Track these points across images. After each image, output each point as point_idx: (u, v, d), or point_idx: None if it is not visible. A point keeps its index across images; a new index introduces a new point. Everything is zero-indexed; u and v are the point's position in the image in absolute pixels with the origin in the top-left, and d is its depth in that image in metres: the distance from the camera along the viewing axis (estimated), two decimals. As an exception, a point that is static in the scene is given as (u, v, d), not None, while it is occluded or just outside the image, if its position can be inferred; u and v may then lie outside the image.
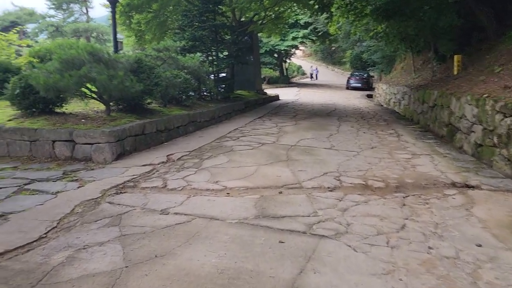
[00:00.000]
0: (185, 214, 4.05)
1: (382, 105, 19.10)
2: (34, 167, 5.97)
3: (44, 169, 5.87)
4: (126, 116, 7.86)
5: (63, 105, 7.85)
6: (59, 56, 6.93)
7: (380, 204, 4.45)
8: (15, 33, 12.57)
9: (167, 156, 6.76)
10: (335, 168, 6.04)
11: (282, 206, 4.35)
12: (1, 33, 12.36)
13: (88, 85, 7.27)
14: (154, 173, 5.67)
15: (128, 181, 5.19)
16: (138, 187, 4.98)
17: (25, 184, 4.96)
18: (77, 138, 6.41)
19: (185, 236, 3.49)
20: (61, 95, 7.28)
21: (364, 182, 5.31)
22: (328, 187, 5.07)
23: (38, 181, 5.14)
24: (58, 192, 4.64)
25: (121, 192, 4.74)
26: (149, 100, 9.01)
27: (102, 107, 8.16)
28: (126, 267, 2.91)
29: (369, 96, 25.66)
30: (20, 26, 11.65)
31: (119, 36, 19.15)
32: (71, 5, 42.12)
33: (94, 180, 5.18)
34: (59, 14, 42.73)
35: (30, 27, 41.86)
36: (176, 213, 4.08)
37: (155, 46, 10.35)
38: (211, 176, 5.55)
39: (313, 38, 36.27)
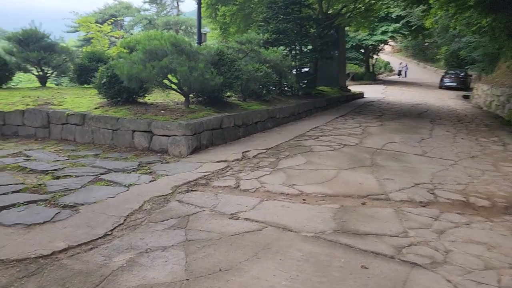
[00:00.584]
0: (256, 221, 3.71)
1: (481, 108, 17.24)
2: (113, 156, 6.05)
3: (122, 159, 5.91)
4: (205, 108, 7.75)
5: (145, 95, 7.97)
6: (143, 46, 6.98)
7: (486, 229, 3.73)
8: (109, 24, 13.24)
9: (242, 153, 6.50)
10: (428, 179, 5.33)
11: (365, 221, 3.83)
12: (98, 24, 13.07)
13: (169, 76, 7.25)
14: (227, 171, 5.42)
15: (200, 178, 4.99)
16: (209, 185, 4.75)
17: (102, 174, 4.98)
18: (155, 129, 6.39)
19: (254, 248, 3.15)
20: (144, 86, 7.36)
21: (464, 199, 4.57)
22: (421, 202, 4.42)
23: (114, 171, 5.15)
24: (130, 185, 4.56)
25: (191, 190, 4.54)
26: (228, 93, 8.86)
27: (182, 98, 8.15)
28: (187, 279, 2.63)
29: (466, 97, 23.43)
30: (113, 18, 12.23)
31: (205, 29, 19.51)
32: (163, -1, 44.23)
33: (167, 175, 5.06)
34: (152, 7, 45.13)
35: (126, 20, 44.76)
36: (246, 219, 3.76)
37: (238, 39, 10.17)
38: (287, 178, 5.16)
39: (404, 32, 34.08)
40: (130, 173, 5.10)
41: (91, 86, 11.51)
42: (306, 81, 13.77)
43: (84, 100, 8.28)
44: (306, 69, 14.89)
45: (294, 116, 10.85)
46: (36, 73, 12.02)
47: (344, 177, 5.36)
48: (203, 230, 3.45)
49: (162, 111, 7.13)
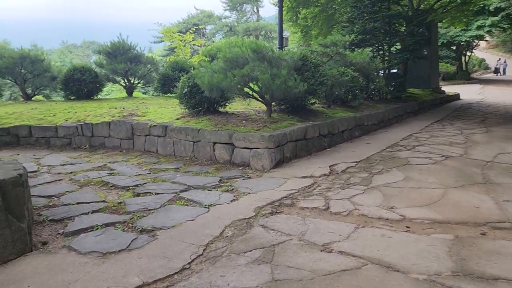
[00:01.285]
0: (353, 256, 3.15)
1: None
2: (194, 170, 5.83)
3: (202, 173, 5.67)
4: (287, 117, 7.31)
5: (226, 104, 7.74)
6: (224, 54, 6.72)
7: None
8: (191, 33, 13.44)
9: (329, 166, 5.94)
10: None
11: (490, 259, 3.08)
12: (180, 34, 13.31)
13: (251, 84, 6.92)
14: (314, 188, 4.90)
15: (285, 197, 4.53)
16: (296, 206, 4.27)
17: (182, 191, 4.74)
18: (236, 141, 6.08)
19: (354, 295, 2.59)
20: (224, 95, 7.12)
21: None
22: (562, 236, 3.52)
23: (194, 188, 4.88)
24: (210, 205, 4.23)
25: (276, 212, 4.09)
26: (312, 100, 8.33)
27: (263, 107, 7.81)
28: (275, 338, 2.16)
29: None
30: (195, 27, 12.33)
31: (286, 33, 19.13)
32: (244, 5, 44.84)
33: (249, 193, 4.67)
34: (233, 15, 46.03)
35: (208, 28, 46.20)
36: (341, 252, 3.21)
37: (322, 42, 9.61)
38: (384, 199, 4.50)
39: (504, 26, 30.85)
40: (210, 190, 4.80)
41: (174, 95, 11.68)
42: (394, 83, 12.76)
43: (166, 111, 8.28)
44: (395, 71, 13.84)
45: (384, 123, 10.00)
46: (124, 84, 12.52)
47: (453, 197, 4.56)
48: (291, 267, 2.97)
49: (244, 122, 6.81)
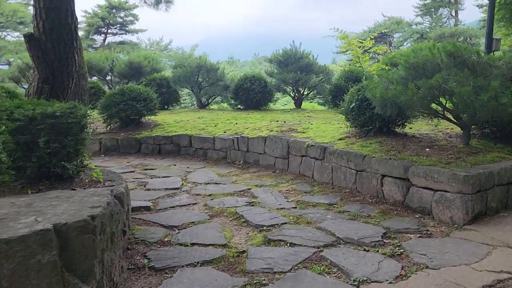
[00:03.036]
0: None
1: None
2: (351, 210, 4.48)
3: (362, 217, 4.27)
4: (494, 147, 5.30)
5: (404, 124, 6.11)
6: (406, 59, 5.19)
7: None
8: (371, 39, 11.98)
9: None
10: None
11: None
12: (359, 40, 12.00)
13: (441, 99, 5.19)
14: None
15: (490, 286, 2.81)
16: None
17: (326, 246, 3.47)
18: (414, 177, 4.48)
19: None
20: (404, 112, 5.53)
21: None
22: None
23: (345, 243, 3.55)
24: (361, 282, 2.85)
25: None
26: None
27: (456, 129, 5.93)
28: None
29: None
30: (376, 33, 10.84)
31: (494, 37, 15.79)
32: (440, 9, 40.46)
33: (427, 267, 3.09)
34: (426, 21, 42.06)
35: (395, 36, 43.25)
36: None
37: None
38: None
39: None
40: (367, 250, 3.39)
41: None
42: None
43: (330, 128, 7.10)
44: None
45: None
46: (292, 94, 11.87)
47: None
48: None
49: (427, 149, 5.12)
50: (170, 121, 9.42)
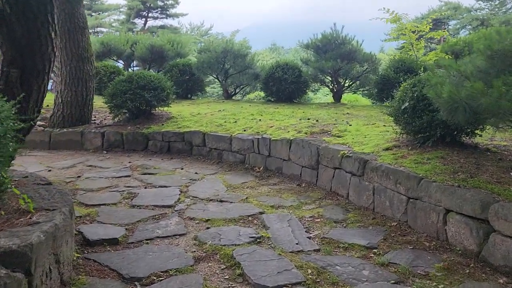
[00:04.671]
0: None
1: None
2: (400, 263, 3.12)
3: (416, 276, 2.92)
4: None
5: (475, 132, 4.60)
6: (488, 45, 3.69)
7: None
8: (428, 23, 10.26)
9: None
10: None
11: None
12: (414, 24, 10.32)
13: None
14: None
15: None
16: None
17: None
18: (497, 220, 3.04)
19: None
20: (480, 117, 4.04)
21: None
22: None
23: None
24: None
25: None
26: None
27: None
28: None
29: None
30: (432, 19, 9.14)
31: None
32: (504, -7, 36.94)
33: None
34: (486, 6, 38.63)
35: (451, 23, 40.09)
36: None
37: None
38: None
39: None
40: None
41: (387, 110, 8.90)
42: None
43: (373, 132, 5.68)
44: None
45: None
46: (331, 86, 10.41)
47: None
48: None
49: (513, 174, 3.65)
50: (186, 114, 8.27)
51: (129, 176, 5.73)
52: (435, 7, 41.25)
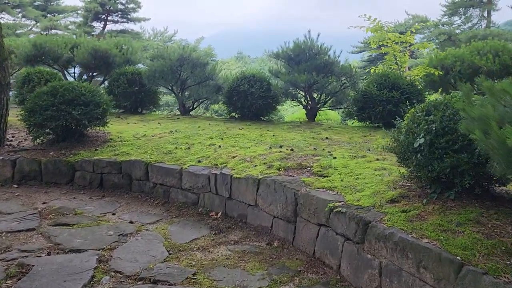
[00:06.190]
0: None
1: None
2: None
3: None
4: None
5: (508, 177, 3.35)
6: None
7: None
8: (412, 32, 9.20)
9: None
10: None
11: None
12: (398, 35, 9.22)
13: None
14: None
15: None
16: None
17: None
18: None
19: None
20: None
21: None
22: None
23: None
24: None
25: None
26: None
27: None
28: None
29: None
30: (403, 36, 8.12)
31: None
32: (470, 9, 37.29)
33: None
34: (454, 21, 38.93)
35: (417, 38, 40.21)
36: None
37: None
38: None
39: None
40: None
41: (378, 126, 7.69)
42: None
43: (367, 169, 4.36)
44: None
45: None
46: (304, 102, 9.12)
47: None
48: None
49: None
50: (128, 135, 6.72)
51: (33, 229, 4.16)
52: (402, 21, 41.34)
